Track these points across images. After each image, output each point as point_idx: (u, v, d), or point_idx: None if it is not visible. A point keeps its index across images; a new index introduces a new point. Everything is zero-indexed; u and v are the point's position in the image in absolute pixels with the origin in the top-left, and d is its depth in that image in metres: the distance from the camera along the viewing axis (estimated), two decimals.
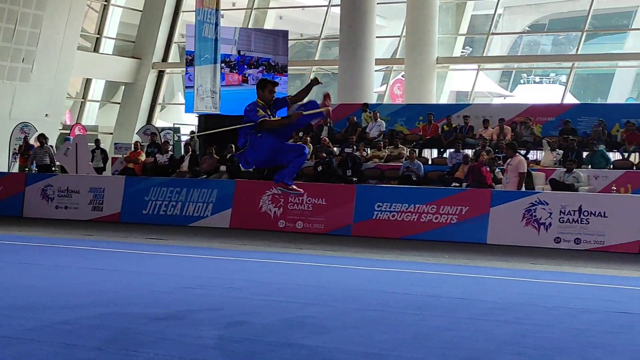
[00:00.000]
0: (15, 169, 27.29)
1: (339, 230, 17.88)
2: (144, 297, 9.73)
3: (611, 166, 20.30)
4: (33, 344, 7.14)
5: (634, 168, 20.23)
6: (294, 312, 9.08)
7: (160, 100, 36.98)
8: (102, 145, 27.05)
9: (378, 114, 23.87)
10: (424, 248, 15.66)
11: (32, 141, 27.51)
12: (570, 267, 13.83)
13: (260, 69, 25.68)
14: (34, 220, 19.73)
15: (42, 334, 7.57)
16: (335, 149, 22.40)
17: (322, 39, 34.28)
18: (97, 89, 37.64)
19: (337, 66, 28.70)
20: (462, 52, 33.54)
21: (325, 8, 34.19)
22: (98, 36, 35.64)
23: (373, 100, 28.18)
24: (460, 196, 17.23)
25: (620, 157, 21.15)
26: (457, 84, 33.92)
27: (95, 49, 35.68)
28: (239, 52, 25.83)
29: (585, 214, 16.10)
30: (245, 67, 25.79)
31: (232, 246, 15.62)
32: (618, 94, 33.46)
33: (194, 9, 23.22)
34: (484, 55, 32.44)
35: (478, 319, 8.92)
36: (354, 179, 19.98)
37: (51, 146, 26.34)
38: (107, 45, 36.29)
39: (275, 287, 10.82)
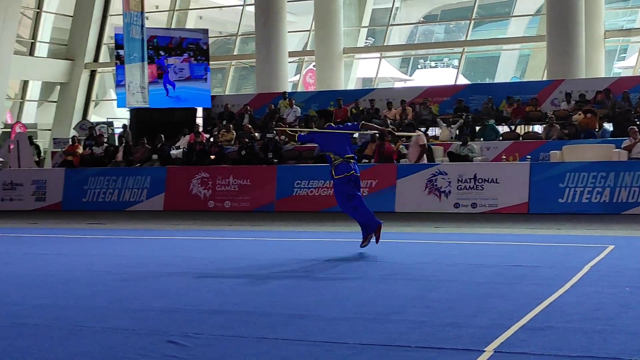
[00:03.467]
0: None
1: (263, 207, 17.87)
2: (86, 277, 9.58)
3: (500, 138, 20.67)
4: None
5: (520, 139, 20.64)
6: (223, 283, 9.04)
7: (93, 97, 36.33)
8: (35, 141, 26.44)
9: (293, 101, 23.90)
10: (340, 219, 15.70)
11: None
12: (469, 228, 14.06)
13: (186, 55, 25.01)
14: None
15: None
16: (256, 134, 22.32)
17: (240, 35, 34.07)
18: (34, 90, 36.83)
19: (254, 60, 28.66)
20: (365, 42, 33.69)
21: (241, 7, 33.96)
22: (33, 41, 34.81)
23: (288, 89, 28.19)
24: (370, 171, 17.33)
25: (508, 130, 21.56)
26: (362, 71, 34.08)
27: (31, 52, 34.86)
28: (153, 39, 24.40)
29: (480, 181, 16.38)
30: (163, 54, 24.71)
31: (167, 227, 15.49)
32: (503, 74, 34.11)
33: (121, 13, 22.81)
34: (385, 44, 32.66)
35: (389, 279, 9.01)
36: (275, 160, 19.95)
37: None
38: (41, 49, 35.50)
39: (206, 261, 10.77)
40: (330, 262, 10.42)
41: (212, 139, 22.04)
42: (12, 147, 23.95)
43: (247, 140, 20.75)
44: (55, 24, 36.15)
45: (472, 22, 31.21)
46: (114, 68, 28.48)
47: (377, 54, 32.99)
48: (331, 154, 10.90)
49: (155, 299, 8.11)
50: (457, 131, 20.68)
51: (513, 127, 21.53)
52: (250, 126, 22.58)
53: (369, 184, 17.07)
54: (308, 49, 32.71)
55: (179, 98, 24.81)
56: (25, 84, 35.82)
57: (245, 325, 6.80)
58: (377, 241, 11.03)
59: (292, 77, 32.82)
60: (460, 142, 19.12)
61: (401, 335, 6.28)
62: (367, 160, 18.85)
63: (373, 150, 18.93)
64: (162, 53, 24.67)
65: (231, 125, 22.74)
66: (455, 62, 34.28)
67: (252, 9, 29.25)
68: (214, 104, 25.45)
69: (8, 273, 10.14)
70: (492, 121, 21.09)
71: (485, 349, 5.77)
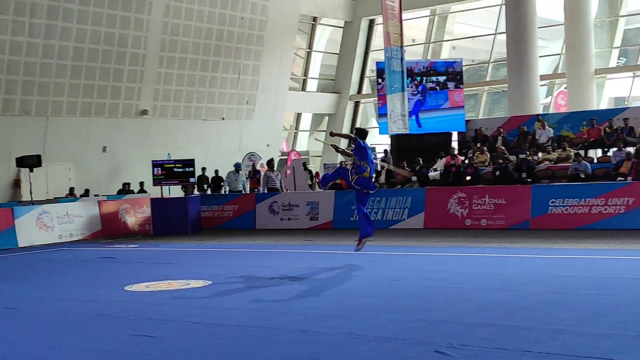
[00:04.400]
0: (246, 190, 28.29)
1: (518, 225, 17.42)
2: (357, 290, 9.80)
3: None
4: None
5: None
6: (485, 296, 8.91)
7: (357, 125, 37.45)
8: (308, 167, 27.60)
9: (545, 123, 23.15)
10: (595, 236, 14.98)
11: (258, 167, 28.49)
12: None
13: (442, 82, 25.19)
14: (264, 231, 20.39)
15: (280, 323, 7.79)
16: (510, 155, 21.85)
17: (492, 62, 33.67)
18: (306, 121, 38.56)
19: (506, 84, 28.21)
20: (617, 62, 32.00)
21: (493, 36, 33.55)
22: (304, 77, 36.56)
23: (539, 111, 27.37)
24: (625, 189, 16.40)
25: None
26: (614, 90, 32.41)
27: (303, 88, 36.62)
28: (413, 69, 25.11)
29: None
30: (421, 82, 25.18)
31: (427, 244, 15.52)
32: None
33: (381, 48, 23.35)
34: (638, 63, 30.85)
35: None
36: (529, 180, 19.41)
37: (278, 170, 27.25)
38: (312, 84, 37.17)
39: (467, 277, 10.66)
40: (589, 279, 9.94)
41: (467, 161, 21.89)
42: (288, 172, 25.24)
43: (500, 161, 20.38)
44: (324, 61, 37.73)
45: None
46: (375, 99, 29.20)
47: (630, 73, 31.21)
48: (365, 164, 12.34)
49: (421, 311, 8.14)
50: None
51: None
52: (503, 148, 22.14)
53: (625, 202, 16.14)
54: (559, 71, 31.69)
55: (435, 124, 24.95)
56: (298, 116, 37.65)
57: (508, 338, 6.66)
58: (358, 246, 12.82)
59: (544, 100, 31.85)
60: None
61: None
62: (622, 179, 17.84)
63: (629, 168, 17.88)
64: (418, 80, 25.02)
65: (485, 148, 22.44)
66: None
67: (503, 37, 28.93)
68: (468, 128, 25.27)
69: (287, 285, 10.57)
70: None
71: None
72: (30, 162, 23.10)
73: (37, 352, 7.07)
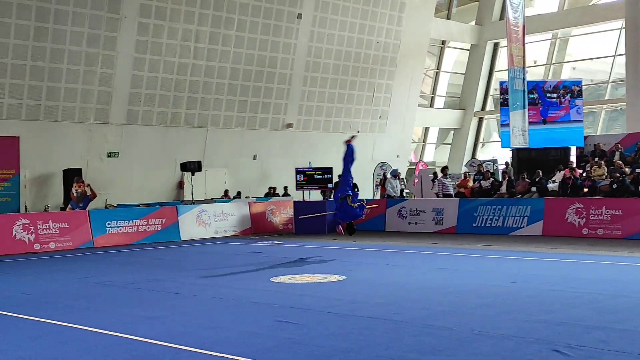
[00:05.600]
0: (377, 196, 28.31)
1: (635, 235, 16.54)
2: (479, 290, 9.62)
3: None
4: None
5: None
6: (603, 301, 8.50)
7: (480, 139, 36.79)
8: (438, 177, 27.27)
9: None
10: None
11: (388, 176, 28.43)
12: None
13: (564, 100, 24.40)
14: (393, 233, 20.32)
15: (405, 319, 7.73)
16: (627, 169, 20.78)
17: (610, 82, 32.16)
18: (432, 134, 38.21)
19: (624, 102, 26.85)
20: None
21: (612, 58, 32.06)
22: (432, 95, 36.25)
23: None
24: None
25: None
26: None
27: (431, 104, 36.31)
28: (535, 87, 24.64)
29: None
30: (546, 98, 24.55)
31: (545, 250, 14.99)
32: None
33: (504, 69, 22.81)
34: None
35: None
36: None
37: (403, 179, 27.12)
38: (439, 101, 36.81)
39: (584, 282, 10.21)
40: None
41: (584, 174, 21.02)
42: (416, 181, 25.04)
43: (617, 175, 19.43)
44: (451, 80, 37.26)
45: None
46: (498, 115, 28.52)
47: None
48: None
49: (540, 312, 7.86)
50: None
51: None
52: (620, 162, 21.11)
53: None
54: None
55: (555, 138, 24.14)
56: (426, 130, 37.32)
57: (625, 341, 6.33)
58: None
59: None
60: None
61: None
62: None
63: None
64: (539, 96, 24.37)
65: (602, 162, 21.47)
66: None
67: (622, 58, 27.57)
68: (586, 143, 24.26)
69: (415, 283, 10.51)
70: None
71: None
72: (192, 167, 24.07)
73: (199, 331, 7.32)
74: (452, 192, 22.41)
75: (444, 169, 23.70)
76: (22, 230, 17.04)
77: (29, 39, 21.66)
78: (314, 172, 22.31)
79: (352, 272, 11.61)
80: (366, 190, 29.96)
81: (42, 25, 21.79)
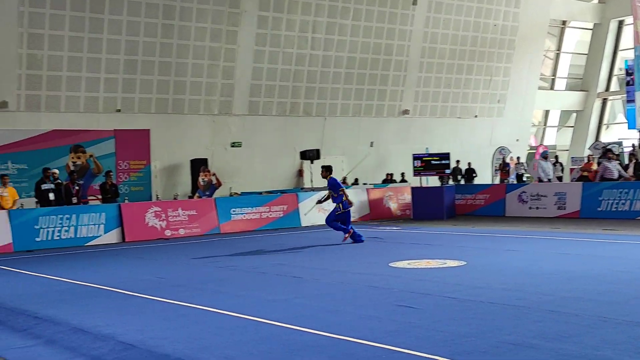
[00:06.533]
0: (496, 181, 27.72)
1: None
2: (605, 276, 9.21)
3: None
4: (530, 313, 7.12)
5: None
6: None
7: (604, 121, 35.21)
8: (559, 160, 26.40)
9: None
10: None
11: (507, 160, 27.76)
12: None
13: None
14: (514, 218, 19.82)
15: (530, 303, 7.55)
16: None
17: None
18: (553, 117, 36.92)
19: None
20: None
21: None
22: (553, 77, 35.00)
23: None
24: None
25: None
26: None
27: (551, 87, 35.09)
28: None
29: None
30: None
31: None
32: None
33: (631, 47, 21.67)
34: None
35: None
36: None
37: (523, 163, 26.43)
38: (560, 83, 35.50)
39: None
40: None
41: None
42: (536, 165, 24.31)
43: None
44: (572, 61, 35.85)
45: None
46: (624, 96, 27.18)
47: None
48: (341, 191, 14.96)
49: None
50: None
51: None
52: None
53: None
54: None
55: None
56: (546, 112, 36.13)
57: None
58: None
59: None
60: None
61: None
62: None
63: None
64: None
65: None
66: None
67: None
68: None
69: (537, 268, 10.19)
70: None
71: None
72: (311, 155, 24.39)
73: (320, 314, 7.45)
74: (552, 176, 21.55)
75: (545, 154, 22.92)
76: (154, 218, 17.86)
77: (157, 36, 22.61)
78: (431, 158, 22.07)
79: (471, 258, 11.43)
80: (485, 176, 29.36)
81: (168, 23, 22.69)
